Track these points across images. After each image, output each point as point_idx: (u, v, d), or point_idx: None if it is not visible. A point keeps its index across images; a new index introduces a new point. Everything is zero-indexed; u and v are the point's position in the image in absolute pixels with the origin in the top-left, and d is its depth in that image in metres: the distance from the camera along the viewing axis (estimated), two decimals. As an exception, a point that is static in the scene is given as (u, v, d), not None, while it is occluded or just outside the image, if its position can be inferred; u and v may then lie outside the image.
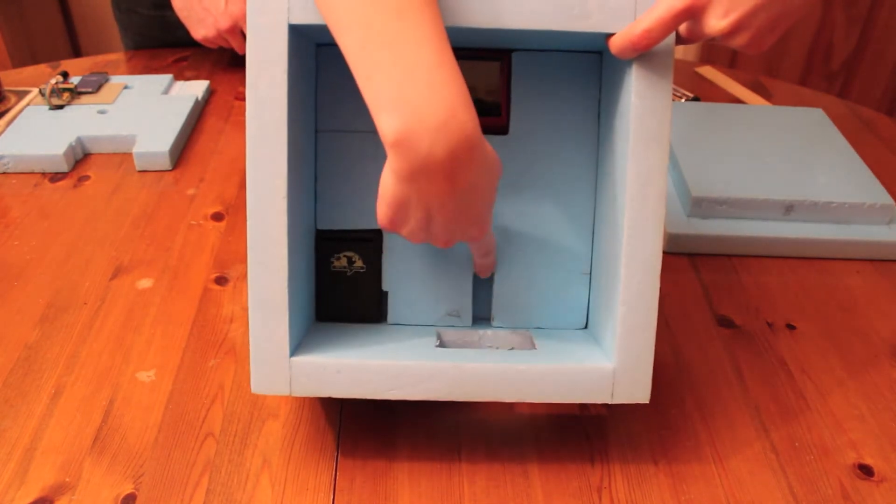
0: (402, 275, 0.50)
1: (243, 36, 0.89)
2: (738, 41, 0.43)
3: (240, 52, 0.90)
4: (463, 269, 0.51)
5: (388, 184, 0.40)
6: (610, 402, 0.45)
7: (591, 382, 0.45)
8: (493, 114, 0.49)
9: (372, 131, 0.47)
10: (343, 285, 0.51)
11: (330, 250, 0.50)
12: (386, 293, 0.51)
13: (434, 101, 0.37)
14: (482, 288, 0.52)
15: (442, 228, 0.42)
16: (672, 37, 0.43)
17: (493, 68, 0.49)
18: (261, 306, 0.44)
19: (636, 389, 0.45)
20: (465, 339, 0.51)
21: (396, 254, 0.50)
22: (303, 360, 0.44)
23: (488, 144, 0.40)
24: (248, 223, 0.45)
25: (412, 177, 0.38)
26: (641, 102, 0.43)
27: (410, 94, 0.37)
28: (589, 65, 0.49)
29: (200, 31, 0.88)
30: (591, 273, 0.51)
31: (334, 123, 0.49)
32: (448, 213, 0.41)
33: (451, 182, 0.39)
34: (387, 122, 0.37)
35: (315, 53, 0.48)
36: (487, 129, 0.44)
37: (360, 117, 0.47)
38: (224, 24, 0.86)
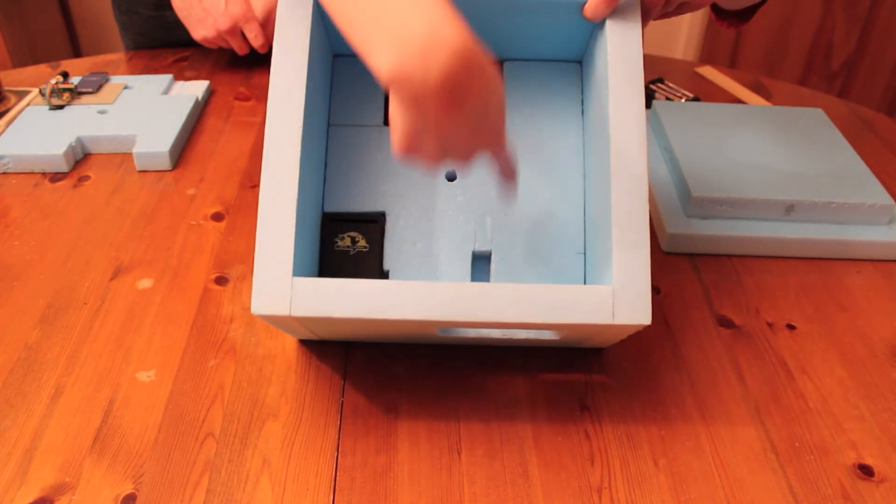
0: (403, 255, 0.53)
1: (243, 37, 0.89)
2: None
3: (239, 53, 0.90)
4: (462, 250, 0.53)
5: (397, 115, 0.40)
6: (612, 323, 0.44)
7: (592, 303, 0.44)
8: None
9: (378, 125, 0.54)
10: (346, 263, 0.53)
11: (335, 231, 0.53)
12: (387, 272, 0.53)
13: (413, 24, 0.37)
14: (481, 270, 0.54)
15: (459, 147, 0.42)
16: None
17: None
18: (268, 230, 0.45)
19: (636, 310, 0.44)
20: None
21: (398, 234, 0.53)
22: (304, 280, 0.44)
23: (483, 55, 0.39)
24: (262, 162, 0.46)
25: (418, 106, 0.38)
26: (615, 51, 0.48)
27: (391, 27, 0.37)
28: (571, 72, 0.57)
29: (200, 31, 0.88)
30: (584, 253, 0.53)
31: (344, 119, 0.55)
32: (461, 134, 0.41)
33: (455, 105, 0.38)
34: (377, 61, 0.38)
35: (332, 62, 0.56)
36: None
37: (366, 113, 0.55)
38: (224, 24, 0.86)
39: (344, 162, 0.54)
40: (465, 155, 0.43)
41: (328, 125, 0.55)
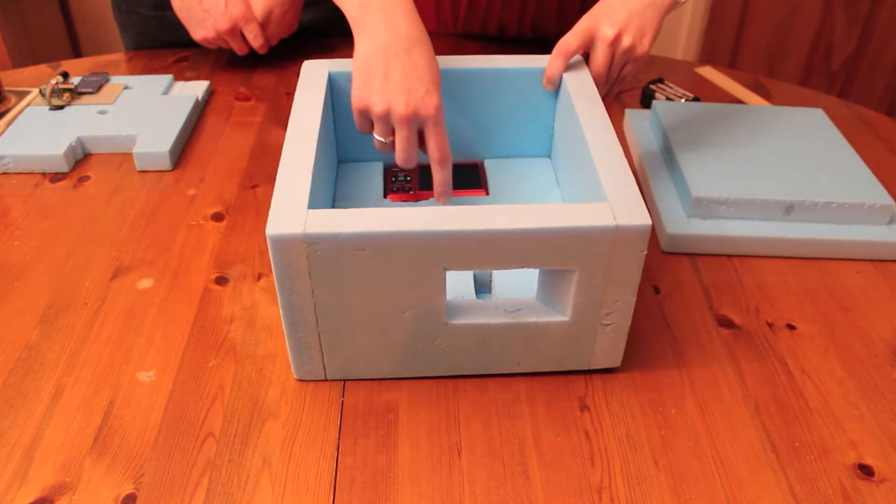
0: None
1: (243, 37, 0.89)
2: (624, 43, 0.62)
3: (239, 53, 0.90)
4: (465, 274, 0.56)
5: (357, 56, 0.56)
6: (614, 225, 0.45)
7: (593, 212, 0.46)
8: (478, 188, 0.67)
9: (377, 197, 0.65)
10: None
11: None
12: None
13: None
14: (483, 294, 0.56)
15: (398, 83, 0.54)
16: (580, 58, 0.64)
17: (473, 169, 0.69)
18: (287, 171, 0.49)
19: (634, 214, 0.46)
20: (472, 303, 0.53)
21: None
22: (319, 211, 0.46)
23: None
24: (285, 139, 0.53)
25: (370, 32, 0.55)
26: (576, 91, 0.60)
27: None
28: (542, 161, 0.70)
29: (200, 32, 0.88)
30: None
31: (347, 196, 0.65)
32: (400, 65, 0.54)
33: (395, 31, 0.55)
34: (349, 13, 0.58)
35: (337, 168, 0.68)
36: (475, 195, 0.66)
37: (366, 193, 0.65)
38: (223, 25, 0.86)
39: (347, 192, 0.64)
40: (405, 97, 0.54)
41: (333, 202, 0.64)
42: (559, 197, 0.65)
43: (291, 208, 0.46)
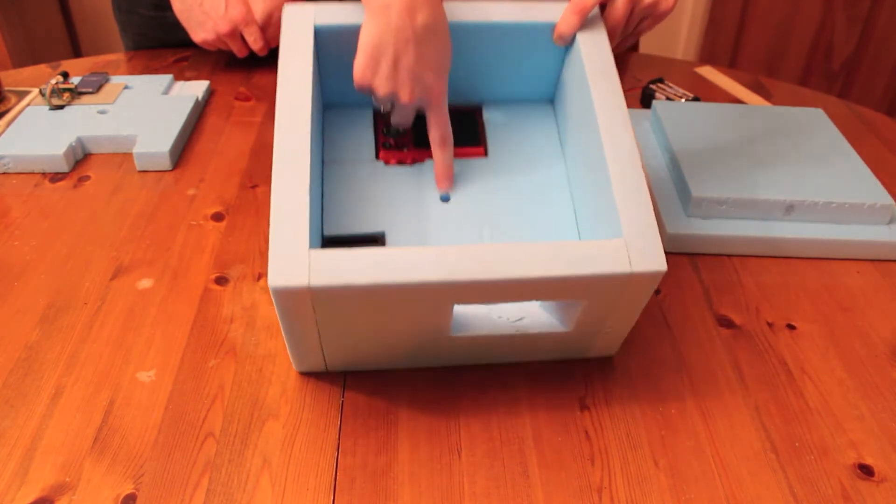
0: None
1: (243, 40, 0.89)
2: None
3: (239, 56, 0.90)
4: None
5: (365, 34, 0.52)
6: (629, 271, 0.44)
7: (607, 254, 0.45)
8: (476, 146, 0.60)
9: (369, 160, 0.58)
10: None
11: None
12: None
13: None
14: None
15: (406, 72, 0.52)
16: (598, 10, 0.56)
17: (471, 117, 0.62)
18: (283, 207, 0.45)
19: (650, 258, 0.45)
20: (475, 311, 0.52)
21: None
22: (321, 251, 0.44)
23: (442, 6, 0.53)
24: (274, 139, 0.48)
25: (385, 11, 0.51)
26: (590, 60, 0.54)
27: None
28: (545, 109, 0.63)
29: (200, 34, 0.88)
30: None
31: (337, 156, 0.58)
32: (410, 55, 0.51)
33: (411, 17, 0.51)
34: None
35: (322, 114, 0.60)
36: (471, 155, 0.59)
37: (357, 152, 0.59)
38: (223, 28, 0.86)
39: (340, 192, 0.56)
40: (410, 84, 0.52)
41: (322, 163, 0.57)
42: (563, 170, 0.59)
43: (292, 251, 0.43)
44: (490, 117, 0.62)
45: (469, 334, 0.50)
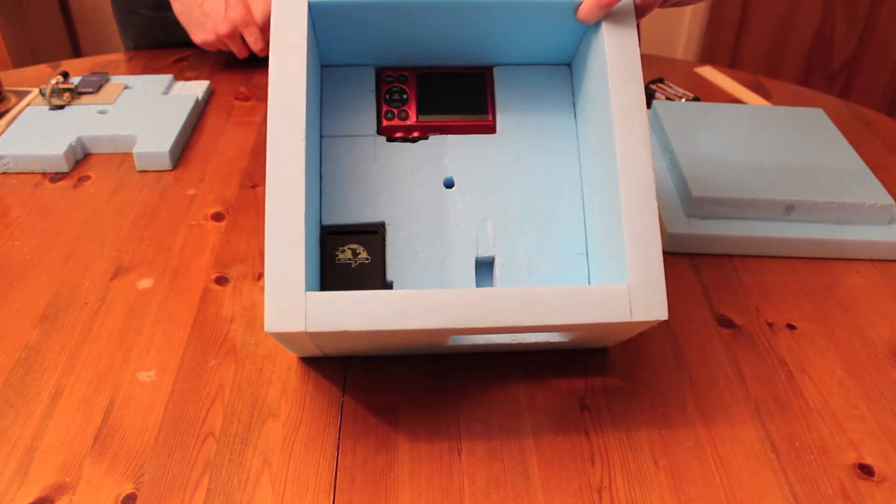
0: (406, 265, 0.52)
1: (243, 41, 0.89)
2: None
3: (239, 56, 0.90)
4: (466, 257, 0.52)
5: None
6: (630, 320, 0.44)
7: (608, 301, 0.44)
8: (482, 117, 0.55)
9: (371, 135, 0.55)
10: (348, 277, 0.52)
11: (335, 244, 0.52)
12: (391, 283, 0.52)
13: None
14: (485, 276, 0.53)
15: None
16: None
17: (479, 80, 0.56)
18: (277, 244, 0.44)
19: (653, 306, 0.44)
20: None
21: (400, 245, 0.52)
22: (318, 294, 0.43)
23: None
24: (266, 168, 0.45)
25: None
26: (614, 51, 0.48)
27: None
28: (561, 75, 0.57)
29: (200, 35, 0.88)
30: (587, 253, 0.53)
31: (336, 130, 0.54)
32: None
33: None
34: None
35: (321, 73, 0.55)
36: (478, 130, 0.54)
37: (359, 123, 0.54)
38: (223, 28, 0.86)
39: (339, 173, 0.54)
40: None
41: (321, 137, 0.54)
42: (575, 159, 0.55)
43: (288, 293, 0.43)
44: (500, 83, 0.57)
45: (468, 343, 0.50)
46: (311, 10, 0.49)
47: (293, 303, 0.43)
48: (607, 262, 0.49)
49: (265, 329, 0.42)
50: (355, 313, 0.43)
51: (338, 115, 0.55)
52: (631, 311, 0.44)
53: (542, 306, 0.44)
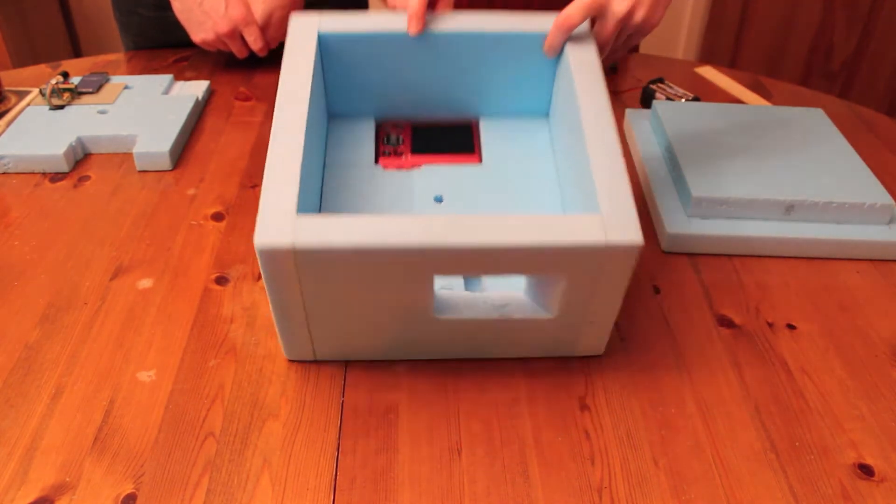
0: None
1: (242, 40, 0.89)
2: (636, 18, 0.59)
3: (239, 56, 0.90)
4: None
5: None
6: (605, 241, 0.45)
7: (584, 226, 0.46)
8: (470, 154, 0.64)
9: (368, 165, 0.62)
10: None
11: None
12: None
13: None
14: (473, 279, 0.55)
15: None
16: (587, 23, 0.59)
17: (467, 129, 0.66)
18: (275, 173, 0.47)
19: (626, 230, 0.46)
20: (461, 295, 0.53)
21: None
22: (307, 216, 0.45)
23: None
24: (272, 129, 0.50)
25: None
26: (578, 69, 0.56)
27: None
28: (539, 122, 0.66)
29: (200, 34, 0.88)
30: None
31: (337, 159, 0.62)
32: None
33: None
34: None
35: (328, 121, 0.65)
36: (465, 161, 0.63)
37: (357, 157, 0.62)
38: (223, 28, 0.86)
39: (338, 193, 0.59)
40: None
41: (324, 166, 0.61)
42: (554, 173, 0.62)
43: (280, 213, 0.45)
44: (486, 129, 0.65)
45: (453, 317, 0.50)
46: (322, 43, 0.58)
47: (284, 221, 0.45)
48: (580, 192, 0.52)
49: (254, 243, 0.44)
50: (341, 231, 0.44)
51: (340, 151, 0.63)
52: (606, 234, 0.45)
53: (521, 226, 0.45)
